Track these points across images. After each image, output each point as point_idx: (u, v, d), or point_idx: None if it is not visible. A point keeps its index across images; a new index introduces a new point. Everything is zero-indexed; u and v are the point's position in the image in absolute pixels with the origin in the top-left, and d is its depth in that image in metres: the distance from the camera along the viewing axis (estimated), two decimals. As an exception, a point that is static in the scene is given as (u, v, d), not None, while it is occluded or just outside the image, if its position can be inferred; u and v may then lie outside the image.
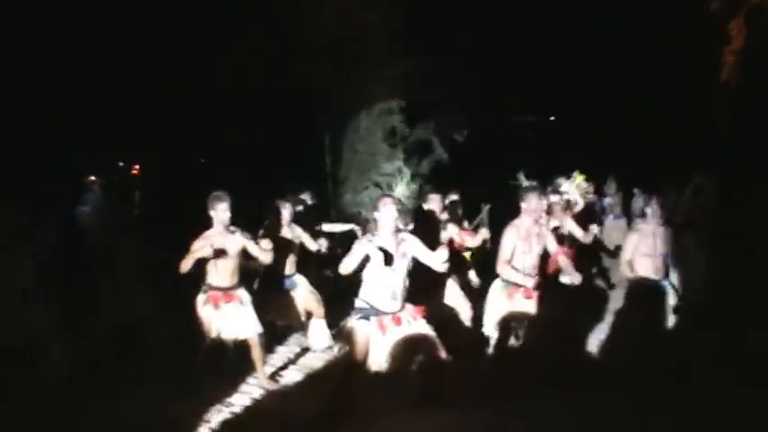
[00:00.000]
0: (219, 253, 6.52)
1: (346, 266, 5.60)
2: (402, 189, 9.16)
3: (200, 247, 6.45)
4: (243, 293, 6.88)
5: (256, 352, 6.89)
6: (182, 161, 18.38)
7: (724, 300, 7.94)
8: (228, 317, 6.69)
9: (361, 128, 15.35)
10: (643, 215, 7.91)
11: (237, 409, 6.27)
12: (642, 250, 7.43)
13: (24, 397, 5.92)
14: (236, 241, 6.72)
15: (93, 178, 13.99)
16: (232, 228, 6.74)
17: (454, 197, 9.54)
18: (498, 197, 11.21)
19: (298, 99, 15.45)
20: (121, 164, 25.10)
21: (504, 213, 7.50)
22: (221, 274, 6.69)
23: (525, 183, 10.22)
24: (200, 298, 6.72)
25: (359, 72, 15.34)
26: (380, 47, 15.13)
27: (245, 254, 6.83)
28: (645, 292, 7.44)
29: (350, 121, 15.44)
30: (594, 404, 5.81)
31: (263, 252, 6.93)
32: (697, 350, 6.99)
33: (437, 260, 5.80)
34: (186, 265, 6.42)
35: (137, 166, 25.24)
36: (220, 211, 6.59)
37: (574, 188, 9.59)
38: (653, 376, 6.39)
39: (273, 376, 7.20)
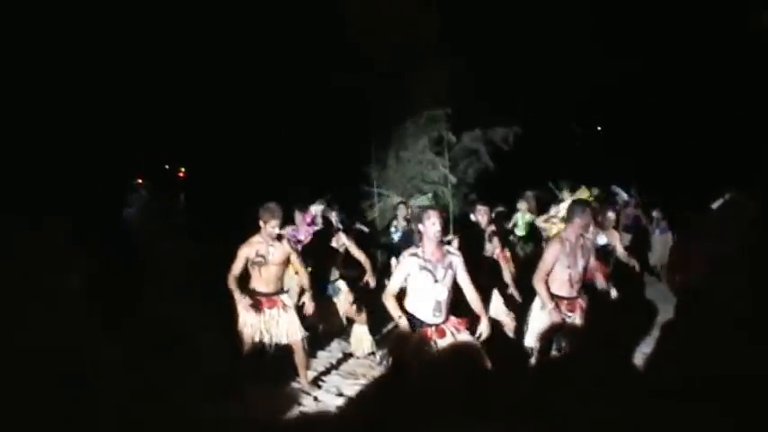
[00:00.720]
0: (264, 260, 6.55)
1: (393, 287, 5.60)
2: (448, 198, 9.13)
3: (246, 254, 6.50)
4: (286, 298, 6.91)
5: (299, 356, 6.90)
6: (227, 165, 18.48)
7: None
8: (272, 322, 6.70)
9: (407, 135, 15.32)
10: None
11: (278, 414, 6.26)
12: None
13: (72, 395, 5.97)
14: (282, 249, 6.73)
15: (140, 181, 14.15)
16: (279, 235, 6.76)
17: (501, 208, 9.49)
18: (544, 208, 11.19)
19: (344, 105, 15.47)
20: (167, 167, 25.38)
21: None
22: (265, 280, 6.73)
23: (567, 196, 10.12)
24: (244, 303, 6.73)
25: (406, 78, 15.33)
26: (428, 53, 15.11)
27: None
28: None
29: (396, 129, 15.41)
30: (639, 418, 5.74)
31: (302, 268, 6.96)
32: (741, 364, 6.88)
33: (471, 295, 5.80)
34: (236, 271, 6.49)
35: (182, 170, 25.51)
36: (269, 227, 6.62)
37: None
38: (700, 391, 6.30)
39: (315, 381, 7.19)
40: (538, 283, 6.54)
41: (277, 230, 6.65)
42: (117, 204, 13.61)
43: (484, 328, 5.79)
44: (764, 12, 15.79)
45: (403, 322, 5.53)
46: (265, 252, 6.62)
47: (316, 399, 6.72)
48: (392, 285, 5.63)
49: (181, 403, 6.44)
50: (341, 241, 8.26)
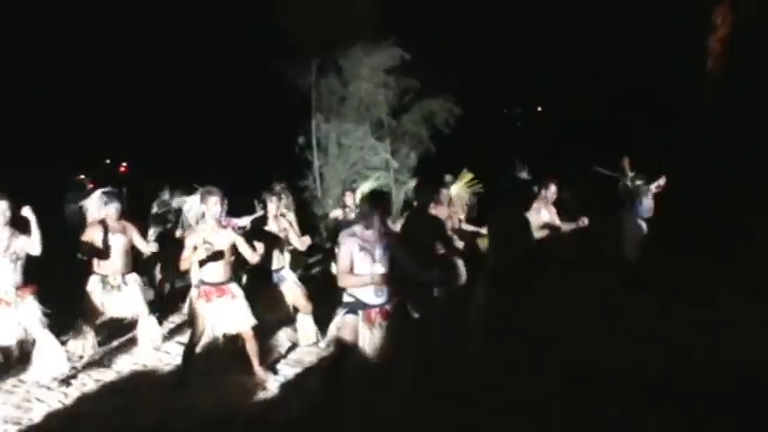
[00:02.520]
0: (211, 248, 6.54)
1: (344, 265, 5.64)
2: (390, 183, 9.19)
3: (194, 242, 6.49)
4: (234, 287, 6.86)
5: (250, 345, 6.89)
6: (168, 157, 18.35)
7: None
8: (221, 311, 6.69)
9: (346, 121, 15.34)
10: None
11: (227, 403, 6.28)
12: None
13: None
14: (228, 236, 6.73)
15: (82, 176, 14.03)
16: (224, 222, 6.76)
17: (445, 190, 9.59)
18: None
19: (284, 93, 15.45)
20: (108, 161, 25.11)
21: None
22: (213, 269, 6.69)
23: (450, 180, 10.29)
24: (193, 293, 6.74)
25: (345, 65, 15.36)
26: (367, 39, 15.14)
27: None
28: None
29: (335, 115, 15.42)
30: (583, 400, 5.88)
31: (250, 251, 6.95)
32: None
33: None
34: (187, 262, 6.50)
35: (124, 164, 25.27)
36: (211, 206, 6.59)
37: (461, 186, 9.67)
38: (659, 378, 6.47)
39: (266, 370, 7.20)
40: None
41: (219, 208, 6.61)
42: (60, 200, 13.51)
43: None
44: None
45: (376, 279, 5.59)
46: (212, 239, 6.60)
47: (264, 388, 6.75)
48: (343, 264, 5.65)
49: (133, 393, 6.49)
50: (282, 226, 8.27)
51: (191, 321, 6.88)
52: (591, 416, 5.67)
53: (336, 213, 10.64)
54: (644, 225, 10.65)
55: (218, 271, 6.72)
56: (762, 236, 11.34)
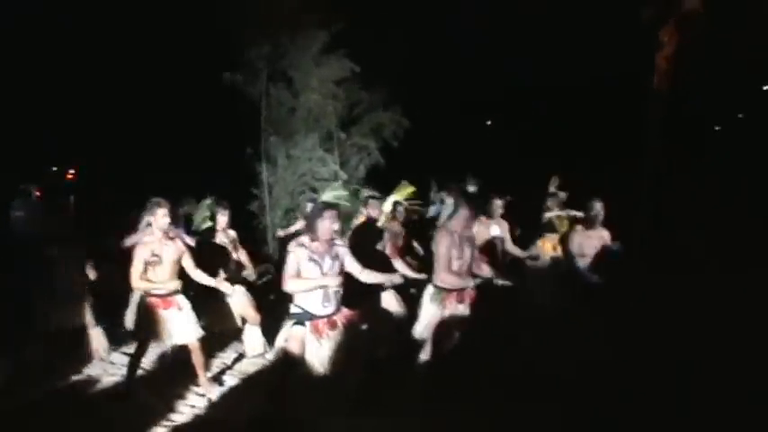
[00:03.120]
0: (159, 259, 6.56)
1: (291, 272, 5.70)
2: (338, 194, 9.21)
3: (142, 255, 6.50)
4: (181, 299, 6.84)
5: (197, 357, 6.87)
6: (116, 167, 18.22)
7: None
8: (168, 323, 6.70)
9: (295, 132, 15.36)
10: None
11: (174, 415, 6.29)
12: None
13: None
14: (176, 248, 6.75)
15: (27, 185, 13.86)
16: (172, 233, 6.77)
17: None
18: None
19: (233, 104, 15.43)
20: (55, 169, 24.76)
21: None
22: (160, 279, 6.68)
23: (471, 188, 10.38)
24: (140, 304, 6.75)
25: (295, 75, 15.39)
26: (317, 50, 15.20)
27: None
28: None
29: (284, 126, 15.44)
30: (527, 406, 5.99)
31: (193, 266, 6.99)
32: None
33: (364, 277, 5.98)
34: (136, 277, 6.50)
35: (72, 171, 24.94)
36: (159, 218, 6.59)
37: (399, 197, 9.76)
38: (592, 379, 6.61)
39: (212, 382, 7.21)
40: (439, 275, 6.70)
41: (167, 220, 6.62)
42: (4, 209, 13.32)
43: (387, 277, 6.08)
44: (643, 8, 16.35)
45: (329, 280, 5.67)
46: (160, 251, 6.60)
47: (209, 400, 6.77)
48: (288, 271, 5.72)
49: (74, 407, 6.46)
50: (231, 238, 8.31)
51: (137, 333, 6.87)
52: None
53: (281, 233, 10.63)
54: None
55: (165, 282, 6.72)
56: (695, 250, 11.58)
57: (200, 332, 6.89)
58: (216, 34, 15.04)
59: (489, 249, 8.70)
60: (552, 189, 10.86)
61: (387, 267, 7.87)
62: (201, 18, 15.45)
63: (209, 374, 7.34)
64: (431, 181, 12.61)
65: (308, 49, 15.08)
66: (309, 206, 8.91)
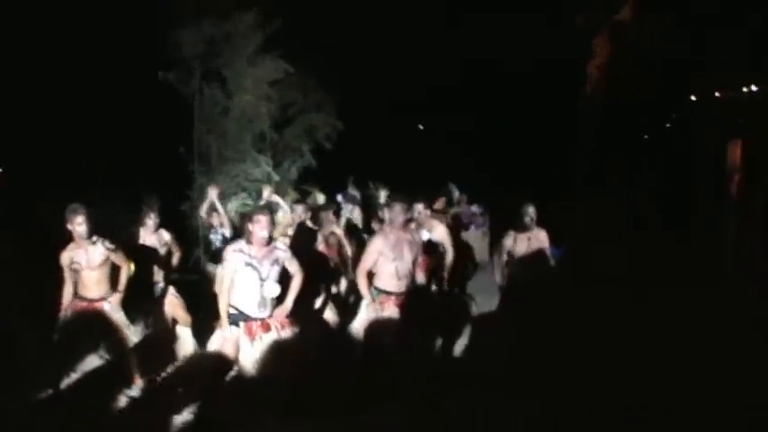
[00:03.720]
0: (80, 266, 6.54)
1: (225, 284, 5.74)
2: (267, 195, 9.25)
3: (64, 261, 6.47)
4: (109, 303, 6.81)
5: (129, 359, 6.88)
6: (43, 165, 17.83)
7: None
8: (96, 327, 6.64)
9: (228, 132, 15.31)
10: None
11: (106, 417, 6.24)
12: None
13: None
14: (99, 252, 6.69)
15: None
16: (94, 238, 6.70)
17: (321, 202, 9.72)
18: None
19: (165, 103, 15.28)
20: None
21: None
22: (87, 285, 6.64)
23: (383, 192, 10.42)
24: (67, 309, 6.68)
25: (229, 75, 15.33)
26: (252, 51, 15.17)
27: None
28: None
29: (217, 126, 15.37)
30: (462, 411, 6.08)
31: (126, 265, 6.94)
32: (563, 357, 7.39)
33: (293, 284, 6.04)
34: (67, 284, 6.46)
35: (-1, 170, 24.29)
36: (77, 225, 6.54)
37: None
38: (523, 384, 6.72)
39: (145, 383, 7.17)
40: (359, 277, 6.75)
41: (84, 227, 6.54)
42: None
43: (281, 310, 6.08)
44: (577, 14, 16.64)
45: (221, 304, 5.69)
46: (80, 258, 6.58)
47: (142, 401, 6.72)
48: (225, 283, 5.76)
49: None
50: (163, 240, 8.26)
51: (60, 338, 6.79)
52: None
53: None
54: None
55: (92, 287, 6.69)
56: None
57: (131, 335, 6.89)
58: (151, 31, 14.90)
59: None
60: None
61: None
62: (136, 14, 15.29)
63: (144, 376, 7.29)
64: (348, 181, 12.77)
65: (242, 48, 15.05)
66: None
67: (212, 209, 9.85)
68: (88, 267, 6.63)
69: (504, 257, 8.36)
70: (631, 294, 9.67)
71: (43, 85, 17.96)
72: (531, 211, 8.20)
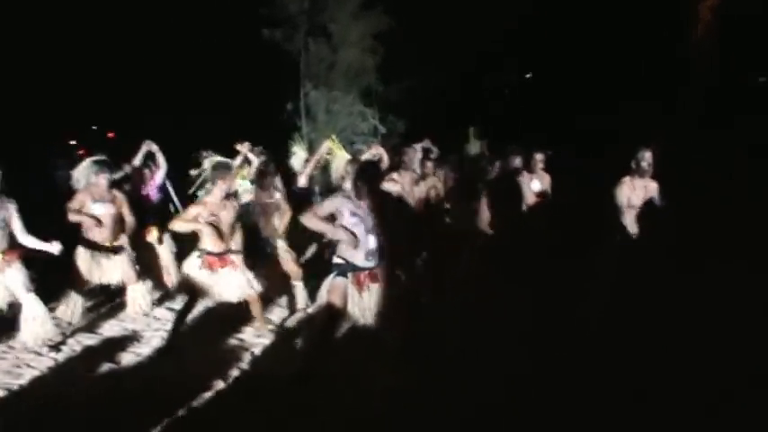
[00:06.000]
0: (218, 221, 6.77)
1: (318, 211, 5.69)
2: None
3: (194, 214, 6.66)
4: (235, 257, 7.02)
5: (255, 308, 7.20)
6: (157, 125, 18.24)
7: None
8: (224, 279, 6.88)
9: (336, 87, 15.31)
10: None
11: (214, 368, 6.30)
12: None
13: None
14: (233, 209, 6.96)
15: (73, 142, 14.05)
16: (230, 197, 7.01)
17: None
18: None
19: (273, 60, 15.38)
20: (95, 128, 24.79)
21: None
22: (216, 239, 6.83)
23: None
24: (194, 261, 6.83)
25: (334, 30, 15.30)
26: (356, 5, 15.09)
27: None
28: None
29: (324, 81, 15.39)
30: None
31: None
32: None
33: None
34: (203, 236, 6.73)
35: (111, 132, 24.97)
36: (219, 182, 6.82)
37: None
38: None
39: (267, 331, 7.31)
40: None
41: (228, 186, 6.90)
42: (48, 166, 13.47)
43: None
44: None
45: (340, 234, 5.64)
46: (217, 212, 6.75)
47: (252, 353, 6.76)
48: (320, 210, 5.73)
49: (122, 359, 6.52)
50: (276, 195, 8.28)
51: (187, 288, 6.93)
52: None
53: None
54: None
55: (222, 241, 6.84)
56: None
57: (256, 286, 7.09)
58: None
59: (536, 203, 8.57)
60: None
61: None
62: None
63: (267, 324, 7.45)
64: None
65: (347, 2, 14.97)
66: None
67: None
68: (224, 223, 6.82)
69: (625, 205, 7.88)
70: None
71: (154, 50, 18.29)
72: (648, 155, 7.79)
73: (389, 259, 5.98)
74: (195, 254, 6.84)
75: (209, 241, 6.81)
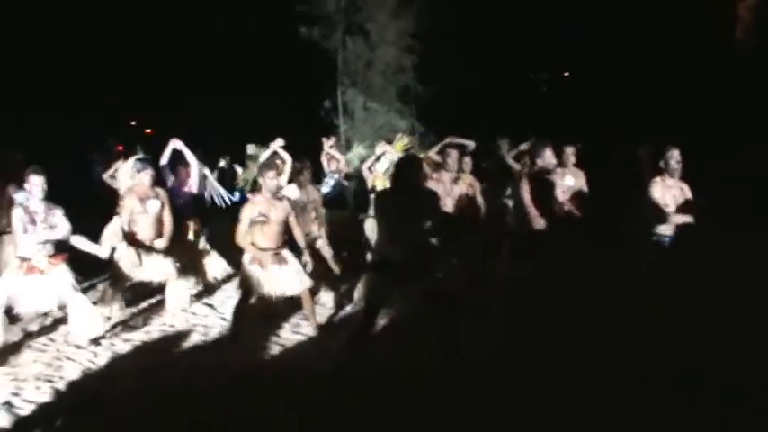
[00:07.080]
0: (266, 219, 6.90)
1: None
2: (416, 147, 9.18)
3: (250, 214, 6.78)
4: (286, 253, 7.10)
5: (308, 305, 7.25)
6: (194, 123, 18.37)
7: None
8: (276, 275, 6.94)
9: (373, 85, 15.32)
10: None
11: (255, 361, 6.33)
12: None
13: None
14: (283, 208, 7.09)
15: (109, 139, 14.19)
16: (280, 195, 7.27)
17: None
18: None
19: (311, 57, 15.45)
20: (133, 123, 24.98)
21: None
22: (269, 236, 6.96)
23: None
24: (246, 258, 6.93)
25: (372, 28, 15.32)
26: (394, 3, 15.10)
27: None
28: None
29: (362, 79, 15.41)
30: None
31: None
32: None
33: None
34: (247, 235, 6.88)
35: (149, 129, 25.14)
36: (268, 180, 6.93)
37: (395, 149, 9.51)
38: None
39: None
40: None
41: (275, 183, 7.03)
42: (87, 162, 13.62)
43: None
44: None
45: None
46: (266, 209, 6.85)
47: (291, 348, 6.78)
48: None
49: (162, 354, 6.57)
50: (311, 197, 8.30)
51: (242, 284, 7.02)
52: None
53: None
54: None
55: (273, 238, 6.93)
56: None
57: (308, 282, 7.14)
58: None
59: (572, 200, 8.40)
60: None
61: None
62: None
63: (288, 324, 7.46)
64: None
65: (385, 2, 14.98)
66: None
67: (331, 156, 9.99)
68: (274, 221, 6.88)
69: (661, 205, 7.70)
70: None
71: (193, 48, 18.42)
72: (676, 154, 7.60)
73: (426, 258, 5.95)
74: (247, 252, 6.93)
75: (259, 238, 6.89)
